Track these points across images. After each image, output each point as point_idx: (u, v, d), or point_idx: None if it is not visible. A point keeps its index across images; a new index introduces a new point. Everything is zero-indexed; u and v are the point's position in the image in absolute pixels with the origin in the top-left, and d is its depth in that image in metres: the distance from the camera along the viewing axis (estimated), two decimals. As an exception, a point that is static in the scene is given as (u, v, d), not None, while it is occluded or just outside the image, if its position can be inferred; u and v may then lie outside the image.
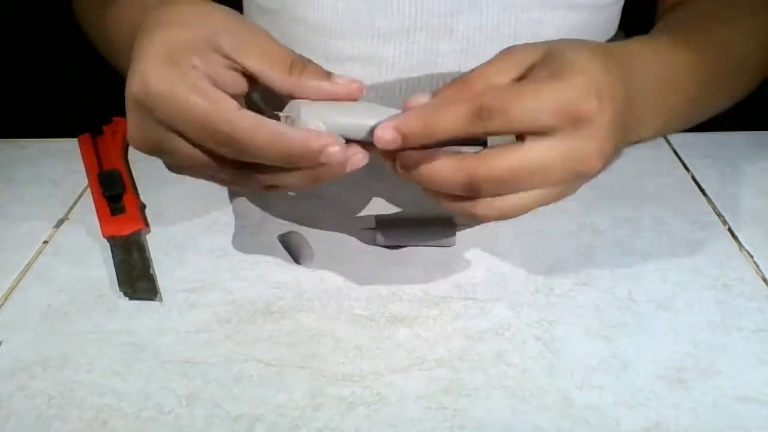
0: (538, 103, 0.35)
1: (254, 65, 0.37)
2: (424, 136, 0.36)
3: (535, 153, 0.36)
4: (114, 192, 0.51)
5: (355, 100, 0.38)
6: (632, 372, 0.38)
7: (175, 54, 0.37)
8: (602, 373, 0.38)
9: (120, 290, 0.44)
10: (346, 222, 0.50)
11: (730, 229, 0.49)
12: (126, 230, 0.48)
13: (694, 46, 0.46)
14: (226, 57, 0.37)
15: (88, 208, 0.52)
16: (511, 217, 0.39)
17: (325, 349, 0.40)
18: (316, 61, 0.42)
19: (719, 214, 0.50)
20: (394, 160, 0.38)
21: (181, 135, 0.37)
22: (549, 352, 0.39)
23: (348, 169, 0.37)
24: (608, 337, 0.40)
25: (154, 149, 0.38)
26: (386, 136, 0.36)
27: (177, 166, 0.40)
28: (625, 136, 0.39)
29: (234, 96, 0.37)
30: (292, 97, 0.38)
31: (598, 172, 0.38)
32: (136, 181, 0.55)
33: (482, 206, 0.38)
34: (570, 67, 0.36)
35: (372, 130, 0.36)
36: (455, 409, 0.36)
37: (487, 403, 0.36)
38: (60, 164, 0.57)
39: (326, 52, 0.54)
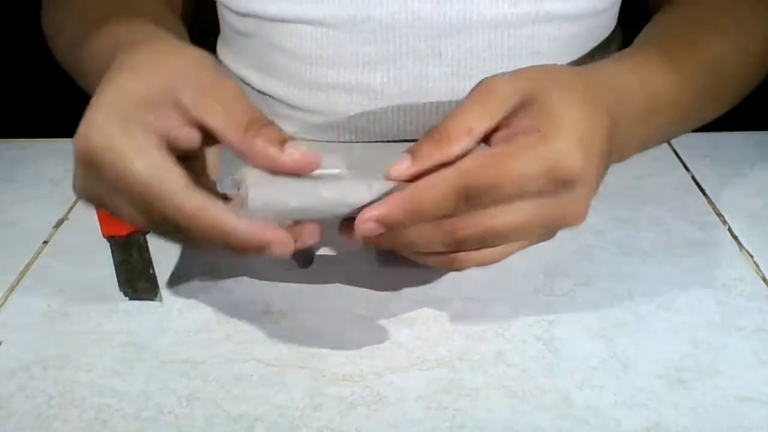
0: (525, 173, 0.34)
1: (212, 123, 0.35)
2: (408, 222, 0.35)
3: (518, 215, 0.35)
4: (114, 192, 0.51)
5: (305, 172, 0.35)
6: (632, 372, 0.38)
7: (128, 107, 0.34)
8: (602, 373, 0.38)
9: (120, 290, 0.44)
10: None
11: (730, 229, 0.49)
12: (126, 230, 0.48)
13: (681, 64, 0.45)
14: (185, 112, 0.35)
15: (88, 208, 0.52)
16: (491, 264, 0.39)
17: (325, 349, 0.40)
18: (297, 91, 0.39)
19: (719, 214, 0.50)
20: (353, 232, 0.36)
21: (123, 199, 0.34)
22: (549, 352, 0.39)
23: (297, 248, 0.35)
24: (608, 337, 0.40)
25: (100, 204, 0.36)
26: (369, 227, 0.34)
27: (128, 222, 0.37)
28: (607, 166, 0.39)
29: (188, 151, 0.36)
30: (244, 158, 0.36)
31: (583, 221, 0.38)
32: (136, 181, 0.55)
33: (462, 260, 0.38)
34: (555, 123, 0.35)
35: (329, 210, 0.35)
36: (455, 409, 0.36)
37: (487, 403, 0.36)
38: (60, 164, 0.57)
39: (308, 79, 0.53)
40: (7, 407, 0.36)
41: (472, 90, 0.37)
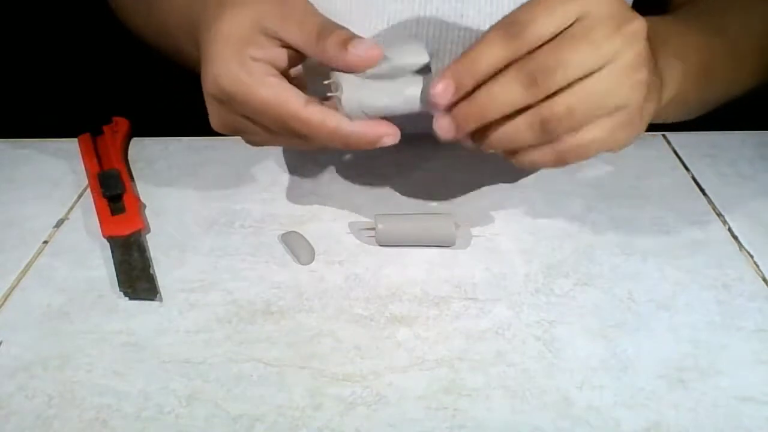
0: (591, 47, 0.36)
1: (292, 39, 0.41)
2: (470, 76, 0.38)
3: (594, 82, 0.37)
4: (114, 192, 0.51)
5: (374, 64, 0.40)
6: (632, 372, 0.38)
7: (238, 51, 0.40)
8: (602, 373, 0.38)
9: (120, 290, 0.44)
10: (346, 222, 0.50)
11: (730, 229, 0.49)
12: (126, 230, 0.48)
13: (707, 32, 0.49)
14: (274, 37, 0.41)
15: (88, 208, 0.52)
16: (589, 156, 0.40)
17: (325, 349, 0.40)
18: None
19: (719, 214, 0.50)
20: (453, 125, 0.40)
21: (256, 122, 0.42)
22: (549, 352, 0.39)
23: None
24: (608, 337, 0.40)
25: (234, 131, 0.44)
26: (438, 92, 0.38)
27: (256, 142, 0.45)
28: (655, 79, 0.41)
29: (291, 68, 0.43)
30: (325, 66, 0.41)
31: (638, 100, 0.39)
32: (136, 181, 0.55)
33: (561, 149, 0.39)
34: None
35: (411, 106, 0.40)
36: (455, 409, 0.36)
37: (487, 403, 0.36)
38: (60, 164, 0.57)
39: None
40: (7, 407, 0.37)
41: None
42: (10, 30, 0.95)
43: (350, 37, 0.40)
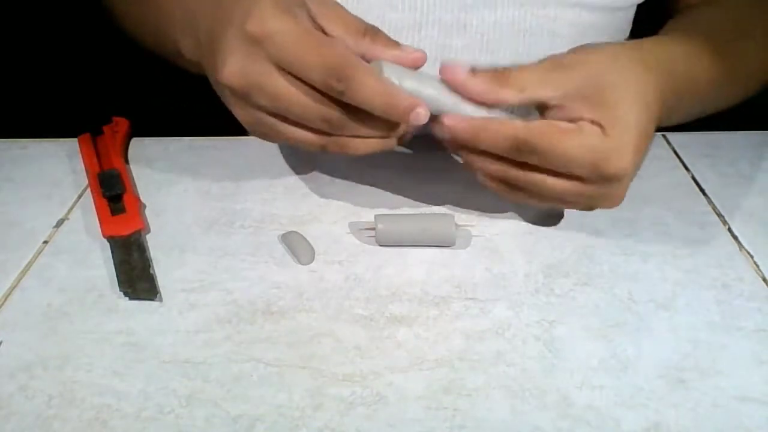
0: (572, 155, 0.40)
1: (334, 29, 0.41)
2: (468, 139, 0.42)
3: (560, 186, 0.42)
4: (114, 192, 0.51)
5: (418, 67, 0.42)
6: (632, 372, 0.38)
7: (287, 4, 0.40)
8: (602, 373, 0.38)
9: (120, 290, 0.44)
10: (346, 222, 0.50)
11: (730, 229, 0.49)
12: (126, 230, 0.48)
13: (711, 53, 0.49)
14: (311, 18, 0.41)
15: (88, 208, 0.52)
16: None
17: (325, 349, 0.40)
18: None
19: (719, 214, 0.50)
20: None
21: (290, 72, 0.40)
22: (549, 352, 0.39)
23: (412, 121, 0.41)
24: (608, 337, 0.40)
25: (250, 85, 0.41)
26: (441, 129, 0.42)
27: (264, 107, 0.42)
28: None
29: None
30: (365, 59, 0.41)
31: (618, 205, 0.44)
32: (136, 181, 0.55)
33: (516, 197, 0.44)
34: (616, 123, 0.40)
35: (437, 105, 0.42)
36: (455, 409, 0.36)
37: (487, 403, 0.36)
38: (60, 164, 0.57)
39: None
40: (7, 407, 0.36)
41: (547, 58, 0.43)
42: (10, 30, 0.95)
43: (397, 42, 0.42)
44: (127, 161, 0.57)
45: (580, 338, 0.40)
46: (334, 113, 0.41)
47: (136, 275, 0.45)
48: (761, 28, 0.54)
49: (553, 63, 0.42)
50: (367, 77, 0.39)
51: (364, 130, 0.42)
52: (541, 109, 0.43)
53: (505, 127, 0.41)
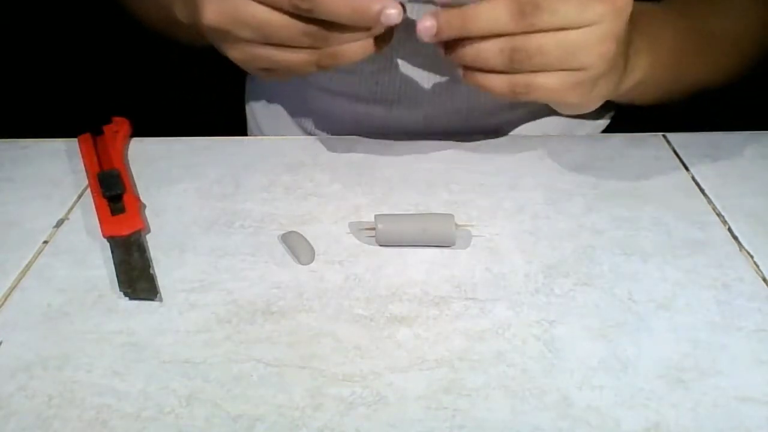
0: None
1: None
2: (460, 29, 0.41)
3: (567, 36, 0.41)
4: (114, 192, 0.51)
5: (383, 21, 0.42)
6: (632, 372, 0.38)
7: None
8: (602, 373, 0.38)
9: (120, 290, 0.44)
10: (346, 222, 0.50)
11: (730, 229, 0.49)
12: (126, 230, 0.48)
13: (688, 18, 0.51)
14: None
15: (88, 208, 0.52)
16: (548, 97, 0.44)
17: (325, 349, 0.40)
18: None
19: (719, 214, 0.50)
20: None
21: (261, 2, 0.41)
22: (549, 352, 0.39)
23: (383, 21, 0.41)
24: (608, 337, 0.40)
25: (230, 21, 0.42)
26: (426, 24, 0.41)
27: (251, 39, 0.43)
28: (619, 61, 0.45)
29: None
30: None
31: (601, 59, 0.42)
32: (136, 181, 0.55)
33: (521, 82, 0.43)
34: None
35: None
36: (455, 409, 0.36)
37: (487, 403, 0.36)
38: (60, 164, 0.57)
39: None
40: (7, 407, 0.36)
41: None
42: (10, 30, 0.95)
43: None
44: (127, 161, 0.57)
45: (580, 338, 0.40)
46: (313, 27, 0.42)
47: (136, 275, 0.45)
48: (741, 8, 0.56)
49: None
50: None
51: (347, 37, 0.43)
52: None
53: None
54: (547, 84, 0.43)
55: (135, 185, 0.54)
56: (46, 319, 0.42)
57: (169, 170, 0.56)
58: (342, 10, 0.41)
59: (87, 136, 0.60)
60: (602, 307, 0.42)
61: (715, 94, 0.57)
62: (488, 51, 0.42)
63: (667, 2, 0.55)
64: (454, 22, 0.41)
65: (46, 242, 0.49)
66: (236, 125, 0.72)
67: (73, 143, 0.59)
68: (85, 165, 0.56)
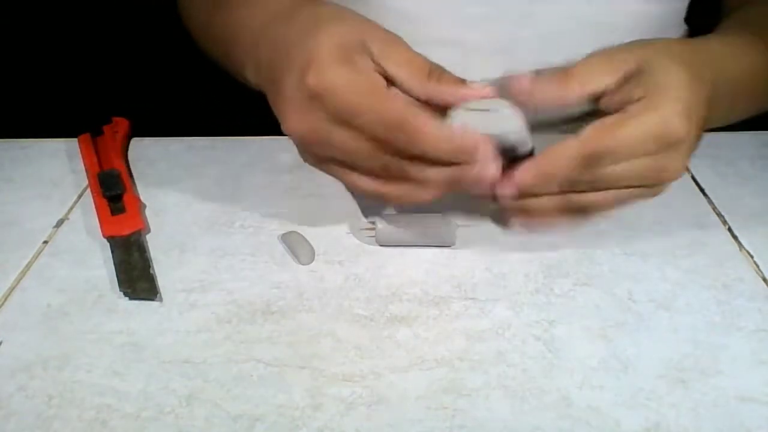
0: (637, 138, 0.39)
1: (397, 72, 0.40)
2: (539, 185, 0.41)
3: (628, 169, 0.40)
4: (114, 192, 0.51)
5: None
6: (632, 372, 0.38)
7: (347, 52, 0.39)
8: (602, 373, 0.38)
9: (120, 290, 0.44)
10: (346, 222, 0.50)
11: (730, 229, 0.49)
12: (126, 230, 0.48)
13: (763, 48, 0.49)
14: (374, 61, 0.40)
15: (88, 208, 0.52)
16: (601, 212, 0.43)
17: (325, 349, 0.40)
18: None
19: (719, 214, 0.50)
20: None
21: (351, 126, 0.39)
22: (549, 352, 0.39)
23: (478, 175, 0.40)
24: (608, 337, 0.40)
25: (316, 139, 0.41)
26: (508, 192, 0.41)
27: (331, 158, 0.42)
28: (704, 128, 0.43)
29: None
30: (429, 102, 0.41)
31: (681, 176, 0.42)
32: (136, 181, 0.55)
33: (575, 201, 0.42)
34: (662, 92, 0.40)
35: (507, 142, 0.41)
36: (455, 409, 0.36)
37: (487, 403, 0.36)
38: (60, 164, 0.57)
39: (410, 38, 0.56)
40: (7, 407, 0.36)
41: (596, 52, 0.43)
42: (10, 30, 0.95)
43: (462, 79, 0.41)
44: (127, 161, 0.57)
45: (580, 338, 0.40)
46: (394, 161, 0.40)
47: (136, 275, 0.45)
48: None
49: (606, 53, 0.42)
50: (428, 127, 0.38)
51: (432, 173, 0.41)
52: (596, 98, 0.42)
53: (566, 150, 0.40)
54: (610, 202, 0.43)
55: (135, 185, 0.54)
56: (46, 319, 0.42)
57: (169, 170, 0.56)
58: (440, 147, 0.39)
59: (87, 136, 0.60)
60: (602, 307, 0.42)
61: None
62: (546, 209, 0.42)
63: (739, 21, 0.54)
64: (533, 180, 0.40)
65: (46, 242, 0.49)
66: (236, 125, 0.72)
67: (73, 143, 0.59)
68: (85, 165, 0.56)
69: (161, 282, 0.45)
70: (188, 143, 0.60)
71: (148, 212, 0.51)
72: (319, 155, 0.42)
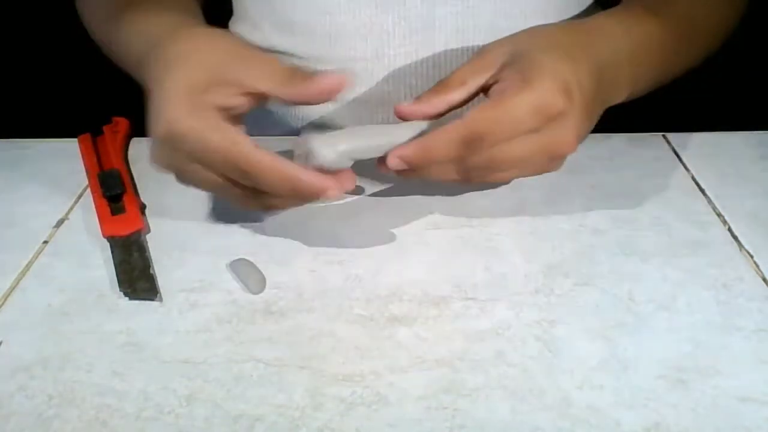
0: (516, 115, 0.41)
1: (261, 86, 0.43)
2: (423, 162, 0.42)
3: (517, 148, 0.42)
4: (114, 192, 0.51)
5: (340, 90, 0.43)
6: (632, 372, 0.38)
7: (194, 96, 0.42)
8: (602, 373, 0.38)
9: (120, 290, 0.44)
10: (345, 221, 0.50)
11: (730, 229, 0.49)
12: (126, 230, 0.48)
13: (660, 14, 0.51)
14: (238, 85, 0.43)
15: (88, 208, 0.52)
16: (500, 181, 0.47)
17: (325, 349, 0.40)
18: (318, 44, 0.54)
19: (719, 214, 0.50)
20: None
21: (203, 163, 0.42)
22: (549, 352, 0.39)
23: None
24: (608, 337, 0.40)
25: (176, 173, 0.44)
26: (394, 163, 0.42)
27: (195, 185, 0.44)
28: (598, 108, 0.45)
29: (243, 114, 0.45)
30: (295, 104, 0.45)
31: (574, 149, 0.43)
32: (136, 181, 0.55)
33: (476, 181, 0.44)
34: (537, 70, 0.41)
35: (375, 149, 0.43)
36: (455, 409, 0.36)
37: (487, 403, 0.36)
38: (60, 164, 0.57)
39: (329, 30, 0.57)
40: (7, 407, 0.37)
41: (472, 56, 0.46)
42: (10, 30, 0.95)
43: (318, 73, 0.43)
44: (127, 161, 0.57)
45: (580, 338, 0.40)
46: (249, 192, 0.43)
47: (136, 275, 0.45)
48: None
49: (480, 51, 0.46)
50: (268, 171, 0.41)
51: (273, 202, 0.44)
52: (486, 93, 0.45)
53: (448, 132, 0.41)
54: (506, 177, 0.45)
55: (135, 185, 0.54)
56: (46, 319, 0.42)
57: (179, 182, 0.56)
58: (281, 188, 0.41)
59: (87, 136, 0.60)
60: (602, 307, 0.42)
61: (715, 94, 0.57)
62: (444, 173, 0.43)
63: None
64: (416, 159, 0.42)
65: (46, 242, 0.49)
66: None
67: (73, 143, 0.59)
68: (85, 165, 0.56)
69: (161, 282, 0.45)
70: (188, 143, 0.60)
71: (148, 212, 0.51)
72: (182, 181, 0.45)
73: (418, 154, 0.42)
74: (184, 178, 0.44)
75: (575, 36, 0.46)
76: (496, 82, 0.44)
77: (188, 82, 0.42)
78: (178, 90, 0.42)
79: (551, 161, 0.44)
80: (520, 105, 0.41)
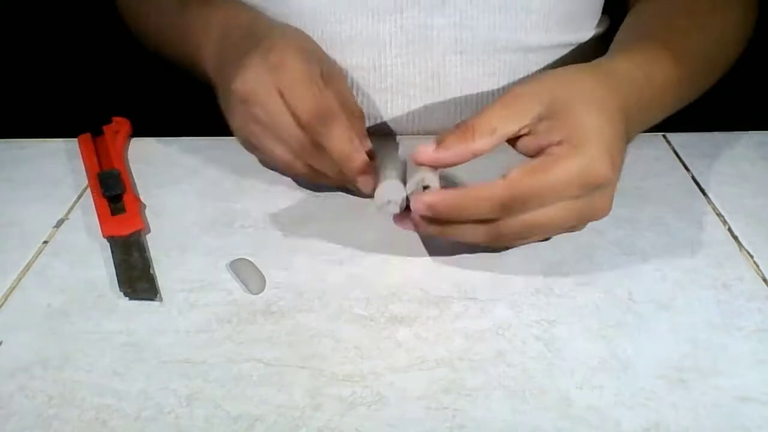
0: (561, 182, 0.39)
1: (339, 92, 0.48)
2: (450, 215, 0.41)
3: (554, 214, 0.40)
4: (114, 192, 0.51)
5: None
6: (632, 372, 0.38)
7: (304, 49, 0.48)
8: (602, 373, 0.38)
9: (120, 290, 0.44)
10: (346, 221, 0.50)
11: (730, 229, 0.49)
12: (126, 230, 0.48)
13: (676, 55, 0.49)
14: (323, 78, 0.47)
15: (88, 208, 0.52)
16: (530, 241, 0.45)
17: (325, 349, 0.40)
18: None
19: (719, 214, 0.50)
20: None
21: (287, 98, 0.46)
22: (549, 352, 0.39)
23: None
24: (608, 337, 0.40)
25: (252, 94, 0.47)
26: (418, 207, 0.41)
27: (258, 120, 0.48)
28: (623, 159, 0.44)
29: None
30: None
31: (608, 215, 0.43)
32: (136, 181, 0.55)
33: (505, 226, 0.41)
34: (583, 135, 0.40)
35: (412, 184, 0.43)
36: (455, 409, 0.36)
37: (487, 403, 0.36)
38: (60, 164, 0.57)
39: (324, 39, 0.57)
40: (7, 407, 0.36)
41: (502, 95, 0.43)
42: (10, 30, 0.95)
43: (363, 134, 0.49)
44: (127, 161, 0.57)
45: (580, 338, 0.40)
46: (307, 142, 0.46)
47: (136, 275, 0.45)
48: (711, 11, 0.55)
49: (512, 95, 0.42)
50: (341, 130, 0.45)
51: (327, 166, 0.47)
52: (512, 141, 0.43)
53: (487, 190, 0.40)
54: (537, 238, 0.45)
55: (135, 185, 0.54)
56: (46, 319, 0.42)
57: (169, 170, 0.56)
58: (336, 150, 0.45)
59: (87, 136, 0.60)
60: (602, 307, 0.42)
61: (715, 94, 0.57)
62: (474, 236, 0.42)
63: (641, 25, 0.55)
64: (447, 209, 0.41)
65: (46, 242, 0.49)
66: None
67: (73, 143, 0.59)
68: (85, 165, 0.56)
69: (161, 282, 0.45)
70: (188, 143, 0.60)
71: (148, 212, 0.51)
72: (248, 112, 0.47)
73: (449, 205, 0.40)
74: (259, 105, 0.46)
75: (605, 87, 0.43)
76: (528, 134, 0.42)
77: (300, 44, 0.48)
78: (293, 38, 0.47)
79: (581, 224, 0.43)
80: (568, 172, 0.39)
